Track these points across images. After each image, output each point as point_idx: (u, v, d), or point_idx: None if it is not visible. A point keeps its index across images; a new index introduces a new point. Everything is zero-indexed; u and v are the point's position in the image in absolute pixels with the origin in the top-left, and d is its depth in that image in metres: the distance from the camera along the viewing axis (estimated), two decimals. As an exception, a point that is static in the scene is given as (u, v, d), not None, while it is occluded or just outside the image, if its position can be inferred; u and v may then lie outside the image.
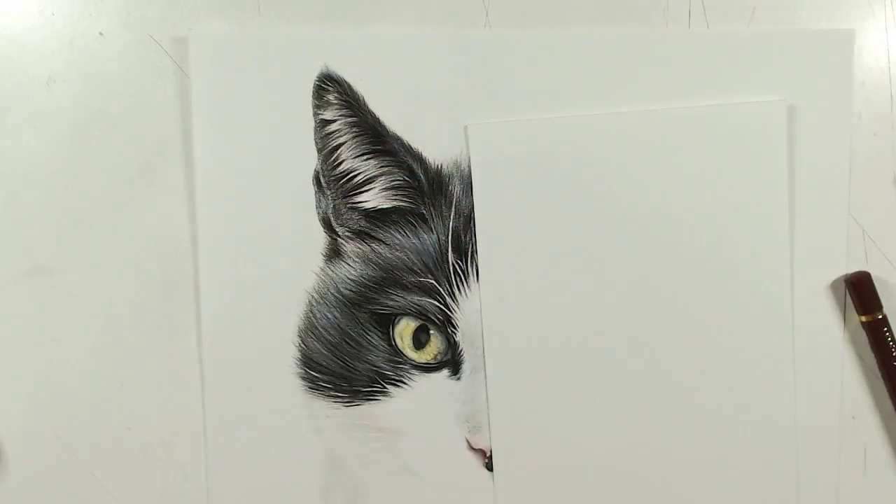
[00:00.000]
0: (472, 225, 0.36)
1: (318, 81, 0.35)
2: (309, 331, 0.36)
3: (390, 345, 0.36)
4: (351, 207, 0.36)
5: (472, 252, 0.36)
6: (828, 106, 0.36)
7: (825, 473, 0.37)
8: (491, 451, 0.37)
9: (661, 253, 0.36)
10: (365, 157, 0.35)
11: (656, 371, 0.36)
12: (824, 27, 0.36)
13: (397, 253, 0.36)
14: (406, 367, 0.36)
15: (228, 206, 0.35)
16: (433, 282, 0.36)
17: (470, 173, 0.36)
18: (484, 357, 0.36)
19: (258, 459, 0.37)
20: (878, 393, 0.37)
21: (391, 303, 0.36)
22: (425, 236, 0.36)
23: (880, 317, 0.36)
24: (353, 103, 0.35)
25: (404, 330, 0.36)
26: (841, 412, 0.37)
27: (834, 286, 0.36)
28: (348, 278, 0.36)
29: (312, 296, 0.36)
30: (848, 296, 0.36)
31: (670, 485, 0.37)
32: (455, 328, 0.36)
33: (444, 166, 0.36)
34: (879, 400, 0.37)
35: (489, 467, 0.37)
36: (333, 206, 0.36)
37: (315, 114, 0.35)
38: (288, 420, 0.36)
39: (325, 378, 0.36)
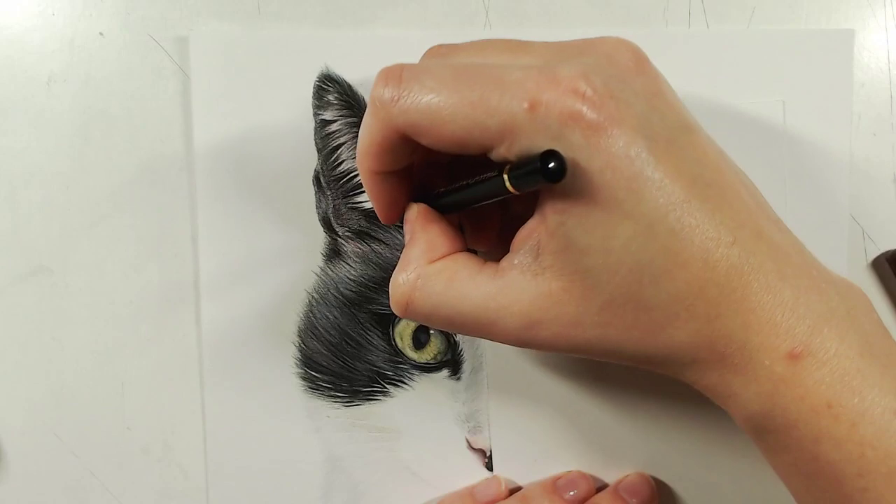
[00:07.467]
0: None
1: (319, 82, 0.35)
2: (309, 331, 0.36)
3: (390, 345, 0.36)
4: (351, 207, 0.36)
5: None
6: (827, 106, 0.36)
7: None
8: (491, 451, 0.37)
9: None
10: (365, 157, 0.35)
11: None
12: (824, 27, 0.36)
13: (397, 253, 0.36)
14: (406, 367, 0.36)
15: (228, 206, 0.35)
16: (433, 282, 0.36)
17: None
18: (484, 357, 0.36)
19: (258, 459, 0.37)
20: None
21: (391, 303, 0.36)
22: (425, 236, 0.35)
23: None
24: (353, 104, 0.35)
25: (404, 330, 0.36)
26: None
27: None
28: (348, 278, 0.36)
29: (312, 296, 0.36)
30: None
31: (671, 485, 0.37)
32: (455, 328, 0.36)
33: (444, 166, 0.36)
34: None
35: (489, 467, 0.37)
36: (333, 206, 0.36)
37: (315, 114, 0.35)
38: (288, 420, 0.36)
39: (325, 378, 0.36)
